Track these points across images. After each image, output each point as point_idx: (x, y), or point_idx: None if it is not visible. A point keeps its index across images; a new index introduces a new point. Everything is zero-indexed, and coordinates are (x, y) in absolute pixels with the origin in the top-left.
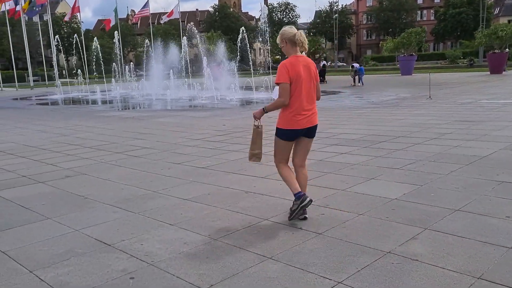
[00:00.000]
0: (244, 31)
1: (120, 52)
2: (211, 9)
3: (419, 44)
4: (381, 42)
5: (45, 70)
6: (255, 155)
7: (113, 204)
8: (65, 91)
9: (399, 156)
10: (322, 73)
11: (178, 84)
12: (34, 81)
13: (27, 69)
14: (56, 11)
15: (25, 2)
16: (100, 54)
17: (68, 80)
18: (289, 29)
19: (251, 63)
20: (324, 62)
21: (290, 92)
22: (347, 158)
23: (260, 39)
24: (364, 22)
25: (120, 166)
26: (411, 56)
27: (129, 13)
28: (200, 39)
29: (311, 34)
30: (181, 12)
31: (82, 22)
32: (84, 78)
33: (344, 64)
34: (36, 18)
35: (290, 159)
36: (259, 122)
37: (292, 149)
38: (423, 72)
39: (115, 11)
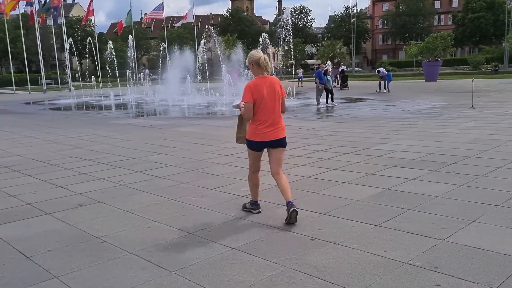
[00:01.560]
0: (266, 37)
1: (134, 55)
2: (225, 13)
3: (445, 49)
4: (404, 46)
5: (58, 73)
6: (240, 138)
7: (139, 254)
8: (78, 95)
9: (489, 186)
10: (345, 78)
11: (195, 89)
12: (47, 84)
13: (40, 72)
14: (70, 14)
15: (40, 7)
16: (114, 57)
17: (81, 83)
18: (255, 53)
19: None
20: (343, 67)
21: (254, 109)
22: (421, 186)
23: (273, 44)
24: (380, 26)
25: (143, 191)
26: (436, 62)
27: (143, 17)
28: (216, 43)
29: (325, 39)
30: (194, 15)
31: (96, 25)
32: (98, 82)
33: (360, 69)
34: (50, 21)
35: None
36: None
37: (269, 160)
38: (448, 78)
39: (129, 13)
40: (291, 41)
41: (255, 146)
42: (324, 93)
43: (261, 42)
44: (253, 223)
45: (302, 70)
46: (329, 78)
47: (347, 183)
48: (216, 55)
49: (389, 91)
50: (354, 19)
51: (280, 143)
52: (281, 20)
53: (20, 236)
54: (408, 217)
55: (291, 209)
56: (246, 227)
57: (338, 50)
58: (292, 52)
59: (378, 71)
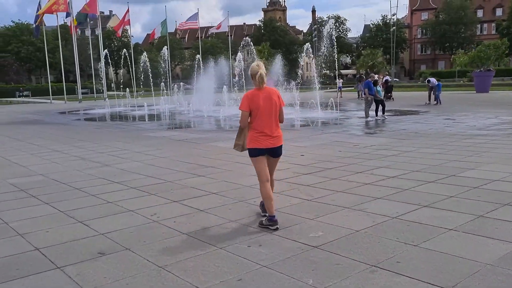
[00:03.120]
0: (309, 47)
1: (168, 66)
2: (258, 23)
3: (498, 58)
4: (453, 56)
5: (93, 83)
6: (238, 145)
7: None
8: (112, 105)
9: None
10: (389, 89)
11: (230, 100)
12: (83, 93)
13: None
14: (107, 25)
15: (74, 18)
16: (149, 68)
17: (115, 93)
18: (255, 67)
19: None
20: (388, 77)
21: (251, 118)
22: None
23: (307, 55)
24: (419, 36)
25: (182, 232)
26: (488, 72)
27: (177, 27)
28: (249, 53)
29: (361, 48)
30: (229, 25)
31: (132, 36)
32: (132, 91)
33: (397, 79)
34: (87, 32)
35: None
36: None
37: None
38: (498, 89)
39: (164, 24)
40: (335, 54)
41: (255, 152)
42: (373, 105)
43: (304, 53)
44: None
45: (341, 80)
46: (379, 88)
47: (456, 231)
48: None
49: (440, 102)
50: (394, 27)
51: (277, 152)
52: (321, 31)
53: None
54: None
55: (275, 227)
56: None
57: (378, 59)
58: (333, 63)
59: (428, 81)
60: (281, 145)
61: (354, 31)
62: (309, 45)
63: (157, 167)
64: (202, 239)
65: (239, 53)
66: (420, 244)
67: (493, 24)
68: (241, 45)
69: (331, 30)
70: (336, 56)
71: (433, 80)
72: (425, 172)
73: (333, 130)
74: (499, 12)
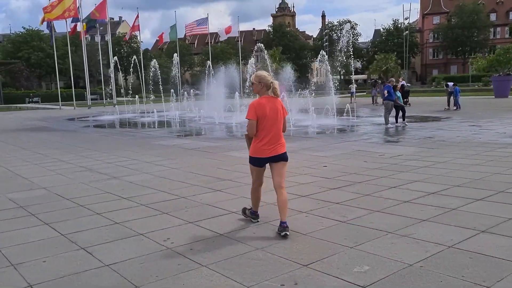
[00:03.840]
0: (325, 55)
1: (178, 73)
2: (268, 28)
3: None
4: (470, 59)
5: (103, 88)
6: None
7: None
8: (121, 111)
9: None
10: (405, 94)
11: (242, 106)
12: (92, 99)
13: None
14: (117, 31)
15: (83, 23)
16: (159, 75)
17: (124, 99)
18: (267, 76)
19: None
20: (403, 82)
21: (256, 126)
22: None
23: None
24: (431, 40)
25: (201, 264)
26: (508, 76)
27: (186, 32)
28: (259, 58)
29: (370, 53)
30: (239, 31)
31: (142, 42)
32: (141, 97)
33: (409, 84)
34: (97, 38)
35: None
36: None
37: (271, 174)
38: None
39: (173, 28)
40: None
41: (257, 163)
42: (393, 111)
43: (318, 58)
44: None
45: (355, 86)
46: (399, 94)
47: None
48: (264, 70)
49: (459, 107)
50: (407, 31)
51: (281, 157)
52: (331, 36)
53: None
54: None
55: (283, 233)
56: None
57: (391, 64)
58: (347, 68)
59: (447, 85)
60: (285, 152)
61: (364, 36)
62: (323, 51)
63: (169, 180)
64: (228, 275)
65: (252, 58)
66: (493, 286)
67: (507, 28)
68: (255, 49)
69: (348, 35)
70: (352, 61)
71: (450, 84)
72: (468, 187)
73: (353, 138)
74: None
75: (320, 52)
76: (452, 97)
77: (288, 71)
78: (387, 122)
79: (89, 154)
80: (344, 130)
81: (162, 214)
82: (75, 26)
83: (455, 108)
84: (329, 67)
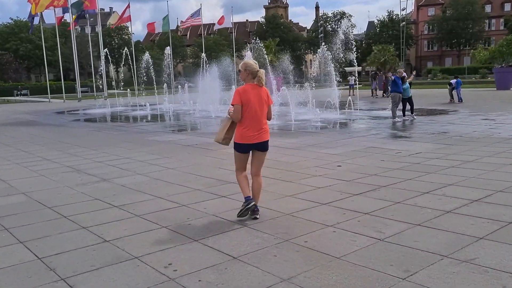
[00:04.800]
0: (325, 48)
1: (171, 64)
2: (261, 20)
3: None
4: (472, 51)
5: (94, 81)
6: (227, 138)
7: None
8: (112, 104)
9: None
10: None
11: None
12: (83, 92)
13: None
14: (107, 23)
15: (73, 15)
16: (152, 67)
17: (116, 91)
18: (254, 64)
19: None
20: (404, 74)
21: (241, 112)
22: None
23: (311, 51)
24: (425, 32)
25: None
26: (510, 68)
27: (179, 24)
28: (257, 49)
29: (364, 45)
30: (233, 22)
31: (133, 33)
32: (133, 90)
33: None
34: (87, 29)
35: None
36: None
37: (250, 161)
38: None
39: (166, 20)
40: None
41: (242, 149)
42: (400, 105)
43: (319, 51)
44: None
45: (354, 77)
46: (407, 86)
47: None
48: (258, 62)
49: (461, 100)
50: (404, 22)
51: (264, 147)
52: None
53: None
54: None
55: (253, 216)
56: None
57: (390, 55)
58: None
59: (450, 84)
60: (268, 140)
61: (357, 28)
62: (324, 46)
63: (166, 182)
64: None
65: (248, 52)
66: None
67: (502, 20)
68: (252, 42)
69: (346, 28)
70: (350, 53)
71: (453, 81)
72: None
73: (361, 133)
74: (507, 7)
75: (321, 45)
76: (455, 90)
77: (286, 63)
78: (394, 115)
79: (77, 151)
80: (348, 124)
81: (160, 228)
82: (62, 16)
83: (457, 101)
84: (330, 59)
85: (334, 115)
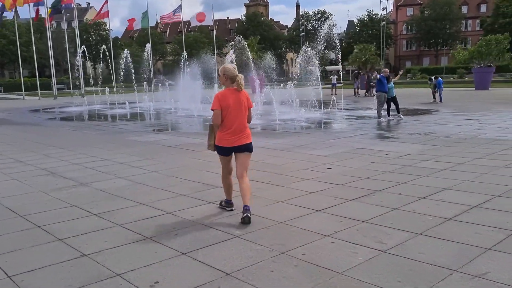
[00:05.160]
0: (308, 47)
1: (151, 62)
2: (242, 17)
3: (499, 53)
4: (452, 51)
5: (70, 78)
6: (211, 145)
7: None
8: (90, 102)
9: None
10: None
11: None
12: (59, 89)
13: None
14: (85, 18)
15: (50, 8)
16: (131, 64)
17: (93, 88)
18: (232, 69)
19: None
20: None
21: (221, 116)
22: None
23: (292, 50)
24: (404, 32)
25: None
26: (488, 68)
27: (158, 21)
28: (240, 47)
29: (344, 44)
30: (213, 19)
31: (111, 29)
32: (111, 87)
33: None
34: (64, 25)
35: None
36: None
37: (235, 164)
38: (496, 86)
39: (145, 15)
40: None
41: (223, 152)
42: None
43: (302, 50)
44: None
45: (336, 77)
46: (392, 85)
47: None
48: (241, 60)
49: (441, 100)
50: (384, 22)
51: (246, 148)
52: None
53: None
54: None
55: (245, 214)
56: None
57: (371, 54)
58: (322, 59)
59: (430, 79)
60: (251, 142)
61: (337, 27)
62: (307, 47)
63: (149, 187)
64: None
65: (231, 51)
66: None
67: (478, 21)
68: (234, 40)
69: (328, 28)
70: (338, 52)
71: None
72: None
73: (348, 133)
74: (483, 8)
75: (305, 44)
76: (437, 90)
77: (268, 62)
78: (379, 115)
79: (53, 152)
80: (334, 124)
81: (144, 240)
82: (38, 10)
83: (438, 101)
84: (315, 57)
85: (318, 115)
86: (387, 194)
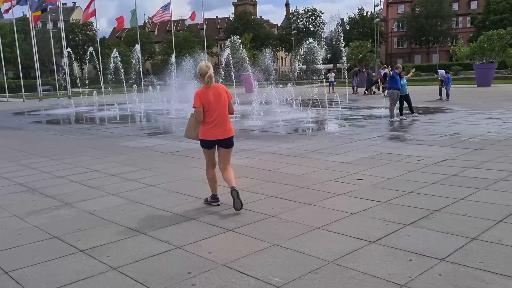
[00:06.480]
0: (303, 44)
1: (140, 62)
2: (231, 16)
3: (502, 49)
4: (452, 47)
5: (56, 79)
6: (192, 136)
7: None
8: (76, 104)
9: None
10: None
11: None
12: (45, 90)
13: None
14: (71, 18)
15: (37, 7)
16: (119, 63)
17: (80, 90)
18: (204, 67)
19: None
20: (386, 70)
21: (203, 112)
22: None
23: (283, 48)
24: (395, 29)
25: None
26: (491, 64)
27: (146, 21)
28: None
29: (334, 42)
30: (204, 18)
31: (98, 29)
32: (99, 88)
33: (374, 73)
34: (49, 25)
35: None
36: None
37: (218, 158)
38: (497, 83)
39: (134, 14)
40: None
41: (207, 145)
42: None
43: (296, 48)
44: None
45: (333, 75)
46: (405, 81)
47: None
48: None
49: (448, 98)
50: (378, 19)
51: (228, 143)
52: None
53: None
54: None
55: (233, 190)
56: None
57: (367, 51)
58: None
59: (436, 72)
60: (232, 136)
61: (327, 25)
62: (298, 41)
63: (150, 207)
64: None
65: (227, 49)
66: None
67: (468, 18)
68: (228, 41)
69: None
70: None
71: (441, 72)
72: None
73: (363, 135)
74: (474, 5)
75: (302, 43)
76: (443, 86)
77: (262, 60)
78: (392, 115)
79: (34, 161)
80: (344, 125)
81: None
82: (9, 8)
83: (445, 98)
84: (320, 55)
85: (322, 114)
86: (450, 216)
